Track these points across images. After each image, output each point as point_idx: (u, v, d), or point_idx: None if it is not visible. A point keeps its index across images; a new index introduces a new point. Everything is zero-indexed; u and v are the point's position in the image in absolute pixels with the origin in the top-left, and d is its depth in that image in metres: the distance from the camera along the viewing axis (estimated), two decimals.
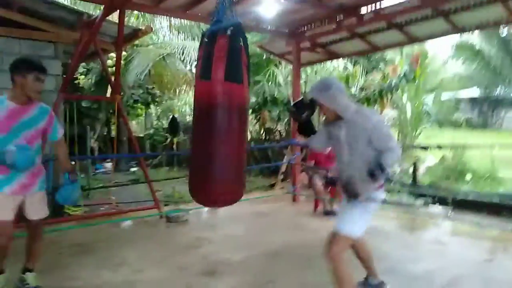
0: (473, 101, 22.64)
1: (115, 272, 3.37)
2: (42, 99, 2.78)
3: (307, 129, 2.79)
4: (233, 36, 2.23)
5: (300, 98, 2.81)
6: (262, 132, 10.03)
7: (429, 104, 11.11)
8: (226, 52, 2.19)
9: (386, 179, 2.43)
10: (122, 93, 9.07)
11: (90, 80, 10.12)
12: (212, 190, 2.27)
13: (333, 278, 2.39)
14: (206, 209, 6.09)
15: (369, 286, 2.79)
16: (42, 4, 5.06)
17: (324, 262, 3.59)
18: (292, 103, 2.60)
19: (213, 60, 2.19)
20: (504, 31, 12.65)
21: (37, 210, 2.75)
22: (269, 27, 6.12)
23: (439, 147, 4.48)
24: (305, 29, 6.21)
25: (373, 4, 5.21)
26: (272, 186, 7.90)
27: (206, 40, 2.30)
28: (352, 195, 2.44)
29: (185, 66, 10.26)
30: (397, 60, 10.37)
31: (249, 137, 10.81)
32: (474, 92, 20.29)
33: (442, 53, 17.79)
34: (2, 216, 2.55)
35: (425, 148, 4.68)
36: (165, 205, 5.86)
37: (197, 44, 10.35)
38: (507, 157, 8.89)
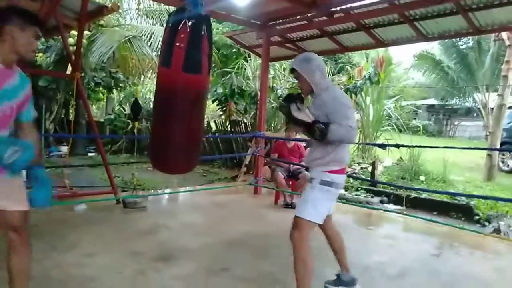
0: (430, 109, 23.84)
1: (65, 254, 3.22)
2: None
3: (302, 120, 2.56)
4: (195, 26, 2.27)
5: (287, 94, 2.80)
6: (227, 124, 9.98)
7: (391, 108, 11.53)
8: (187, 42, 2.24)
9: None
10: (83, 73, 8.68)
11: (48, 58, 9.59)
12: (170, 162, 2.53)
13: (294, 261, 2.39)
14: (165, 196, 5.99)
15: (341, 283, 2.77)
16: None
17: (281, 253, 3.65)
18: (281, 100, 2.57)
19: (173, 50, 2.26)
20: (462, 44, 13.31)
21: (13, 198, 1.99)
22: (241, 17, 6.07)
23: (397, 146, 4.64)
24: (276, 23, 6.22)
25: (344, 5, 5.31)
26: (234, 178, 7.89)
27: (170, 27, 2.34)
28: (310, 177, 2.51)
29: (152, 52, 9.96)
30: (362, 63, 10.66)
31: (214, 128, 10.74)
32: (432, 100, 21.35)
33: (405, 62, 18.57)
34: None
35: (383, 146, 4.85)
36: (123, 191, 5.68)
37: None
38: (457, 162, 9.42)
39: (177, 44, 2.25)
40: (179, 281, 2.90)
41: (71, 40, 7.81)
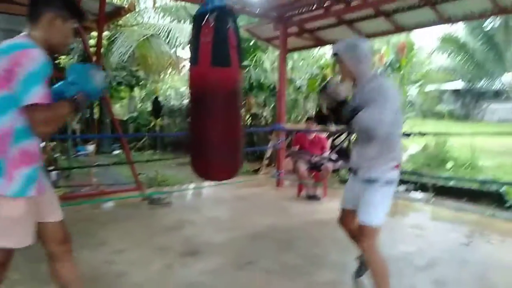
0: (456, 92, 23.07)
1: (94, 252, 3.32)
2: None
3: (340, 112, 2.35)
4: (219, 19, 2.21)
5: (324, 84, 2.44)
6: (248, 117, 9.98)
7: (414, 94, 11.22)
8: (213, 36, 2.18)
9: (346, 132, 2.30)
10: (104, 73, 8.87)
11: (72, 60, 9.84)
12: (209, 168, 2.35)
13: (369, 268, 2.37)
14: (190, 192, 6.08)
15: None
16: None
17: (304, 245, 3.65)
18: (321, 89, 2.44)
19: (200, 45, 2.20)
20: (488, 24, 12.78)
21: (56, 207, 1.94)
22: (257, 10, 6.03)
23: (422, 134, 4.52)
24: (293, 13, 6.14)
25: None
26: (257, 171, 7.90)
27: (194, 24, 2.30)
28: (365, 178, 2.31)
29: (171, 49, 10.06)
30: (383, 49, 10.40)
31: None
32: (458, 84, 20.64)
33: (428, 45, 18.02)
34: (22, 241, 1.71)
35: (407, 135, 4.72)
36: (148, 187, 5.80)
37: (183, 26, 10.17)
38: (486, 147, 9.10)
39: (203, 39, 2.19)
40: (207, 275, 2.94)
41: (91, 42, 7.99)
